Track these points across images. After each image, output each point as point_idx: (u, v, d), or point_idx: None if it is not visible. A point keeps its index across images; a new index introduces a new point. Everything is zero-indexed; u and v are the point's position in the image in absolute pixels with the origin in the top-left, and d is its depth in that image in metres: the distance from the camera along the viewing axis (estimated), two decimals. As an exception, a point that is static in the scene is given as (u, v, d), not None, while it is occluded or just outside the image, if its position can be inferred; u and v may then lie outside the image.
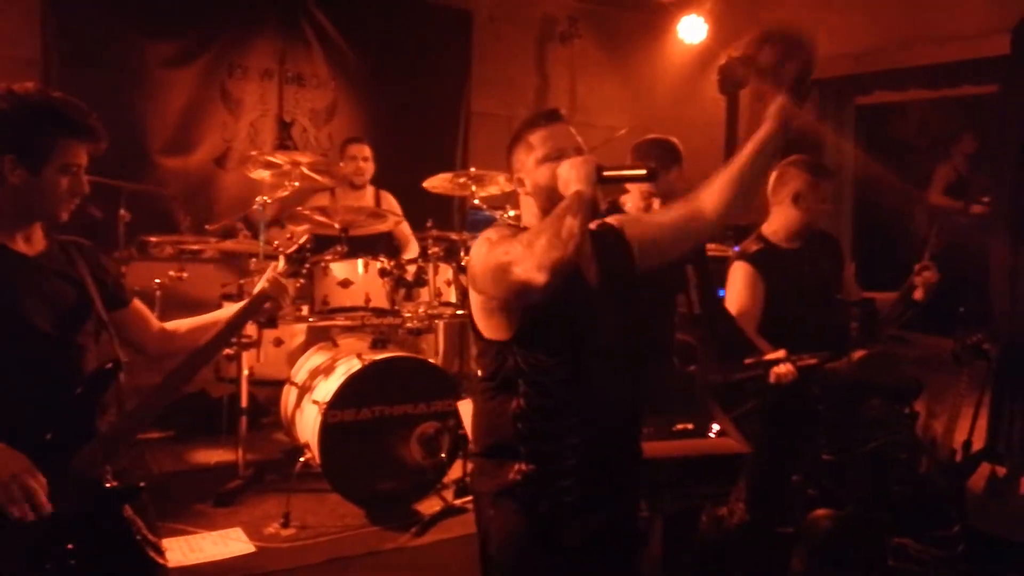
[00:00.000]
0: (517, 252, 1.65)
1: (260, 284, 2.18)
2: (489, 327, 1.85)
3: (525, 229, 1.87)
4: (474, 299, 1.87)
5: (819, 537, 2.94)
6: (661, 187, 2.78)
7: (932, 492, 3.20)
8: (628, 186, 2.89)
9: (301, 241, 2.29)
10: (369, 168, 4.76)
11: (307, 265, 2.28)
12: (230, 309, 2.21)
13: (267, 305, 2.17)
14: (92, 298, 1.93)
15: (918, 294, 2.95)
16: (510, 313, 1.79)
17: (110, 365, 1.88)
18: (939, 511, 3.15)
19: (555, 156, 1.82)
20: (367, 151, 4.76)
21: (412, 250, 4.77)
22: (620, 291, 1.92)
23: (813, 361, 2.52)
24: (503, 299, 1.76)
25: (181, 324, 2.17)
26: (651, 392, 2.25)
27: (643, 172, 1.83)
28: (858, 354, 2.77)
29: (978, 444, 3.44)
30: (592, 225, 1.95)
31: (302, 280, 2.28)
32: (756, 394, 2.74)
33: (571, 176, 1.74)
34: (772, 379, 2.63)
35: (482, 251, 1.79)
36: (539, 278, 1.61)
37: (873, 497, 3.01)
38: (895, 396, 3.09)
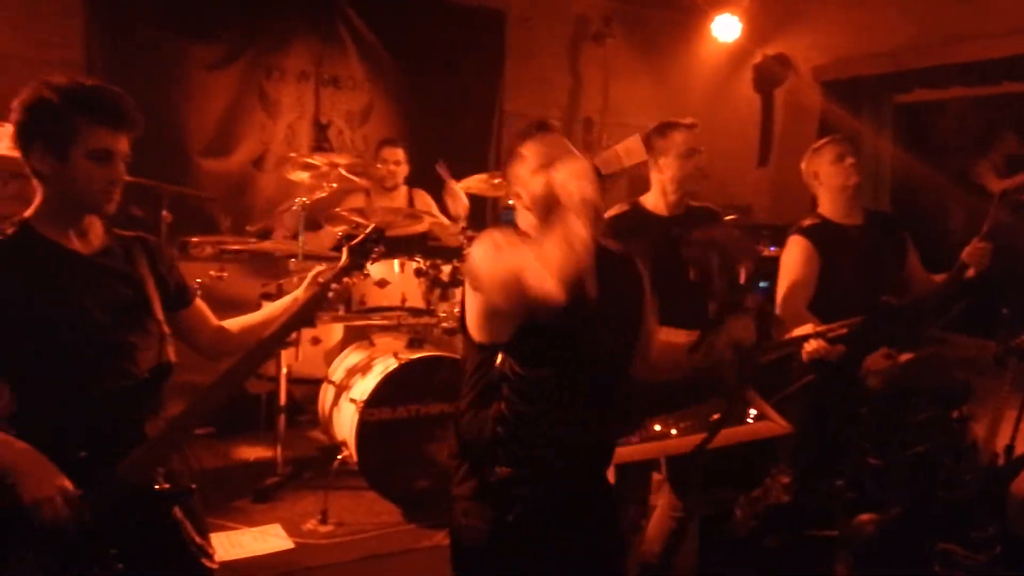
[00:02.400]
0: (531, 265, 1.59)
1: (309, 289, 2.09)
2: (482, 330, 1.81)
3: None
4: (471, 300, 1.82)
5: (863, 542, 2.90)
6: (693, 143, 2.78)
7: (972, 496, 3.14)
8: (652, 180, 2.88)
9: (367, 232, 2.16)
10: (401, 171, 4.79)
11: (372, 257, 2.13)
12: (284, 304, 2.14)
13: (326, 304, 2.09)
14: (150, 298, 1.89)
15: (971, 272, 2.90)
16: (510, 320, 1.75)
17: (161, 366, 1.85)
18: (978, 515, 3.10)
19: (548, 164, 1.79)
20: (399, 154, 4.77)
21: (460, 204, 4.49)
22: (618, 310, 1.89)
23: (843, 330, 2.46)
24: (513, 310, 1.70)
25: (235, 323, 2.13)
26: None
27: (641, 157, 1.78)
28: (905, 356, 2.73)
29: (1021, 448, 3.37)
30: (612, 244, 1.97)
31: (366, 274, 2.18)
32: (802, 374, 2.72)
33: (569, 179, 1.68)
34: (805, 357, 2.59)
35: (488, 256, 1.71)
36: (556, 293, 1.56)
37: (919, 502, 2.97)
38: (943, 400, 3.04)
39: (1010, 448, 3.27)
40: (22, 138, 1.77)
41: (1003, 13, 4.55)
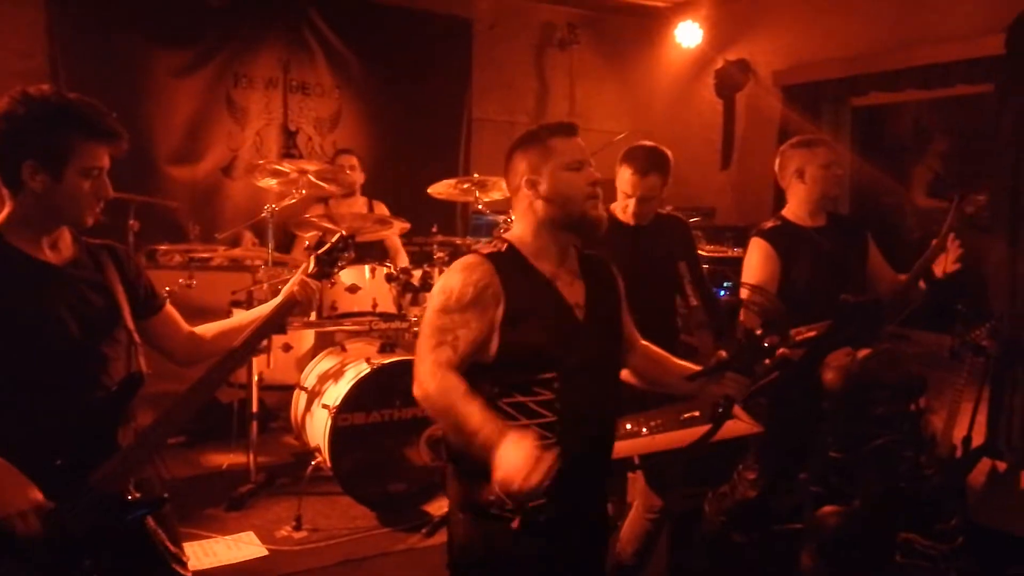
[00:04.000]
0: (420, 377, 1.74)
1: (287, 288, 2.08)
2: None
3: (507, 251, 1.86)
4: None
5: (828, 533, 2.96)
6: (641, 190, 2.85)
7: (933, 487, 3.23)
8: (617, 192, 2.95)
9: (332, 240, 2.17)
10: (356, 176, 4.87)
11: (340, 265, 2.15)
12: (256, 313, 2.12)
13: (296, 310, 2.08)
14: (120, 307, 1.88)
15: (950, 265, 2.91)
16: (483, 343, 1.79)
17: (133, 376, 1.84)
18: (940, 506, 3.19)
19: (576, 167, 1.86)
20: (353, 160, 4.88)
21: (402, 259, 4.86)
22: (602, 318, 1.92)
23: (811, 333, 2.51)
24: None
25: (208, 329, 2.11)
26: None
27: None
28: (863, 352, 2.78)
29: (978, 440, 3.47)
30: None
31: (333, 282, 2.18)
32: (765, 373, 2.77)
33: (509, 459, 1.55)
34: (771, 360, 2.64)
35: (430, 306, 1.82)
36: (416, 394, 1.74)
37: (881, 493, 3.03)
38: (900, 393, 3.11)
39: (967, 440, 3.38)
40: (6, 153, 1.72)
41: (957, 18, 4.69)
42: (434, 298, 1.83)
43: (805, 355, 2.65)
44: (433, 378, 1.72)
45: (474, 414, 1.65)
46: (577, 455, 1.80)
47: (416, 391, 1.75)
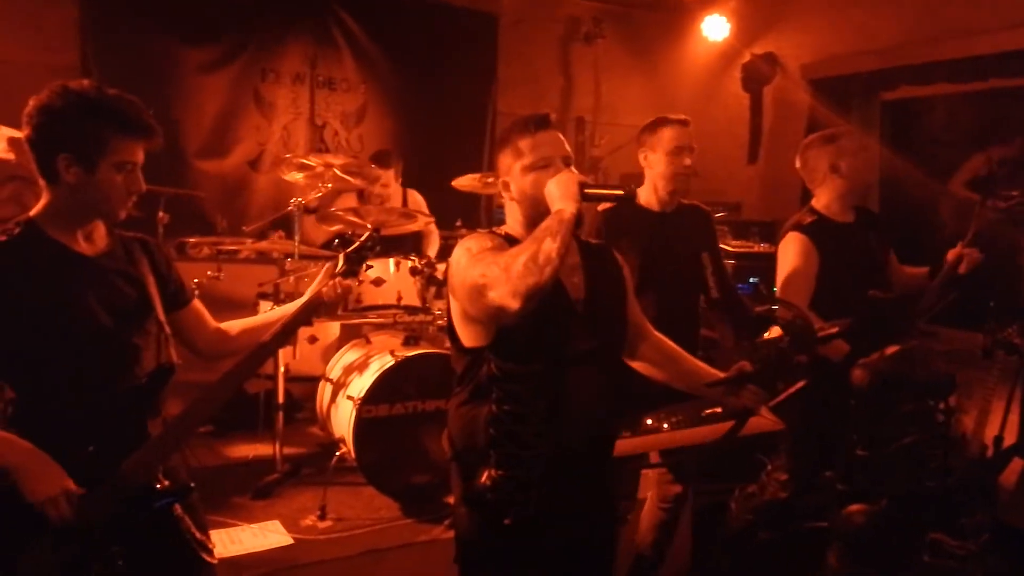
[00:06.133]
0: (494, 275, 1.64)
1: (314, 287, 2.08)
2: (466, 334, 1.84)
3: (505, 236, 1.87)
4: (452, 305, 1.87)
5: (854, 532, 2.93)
6: (689, 139, 2.80)
7: (962, 487, 3.19)
8: (647, 175, 2.92)
9: (362, 239, 2.16)
10: (394, 192, 4.81)
11: (369, 264, 2.18)
12: (282, 311, 2.12)
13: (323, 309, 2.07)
14: (152, 298, 1.90)
15: (962, 267, 2.89)
16: (486, 324, 1.79)
17: (164, 367, 1.86)
18: (969, 505, 3.15)
19: (542, 165, 1.81)
20: (390, 176, 4.76)
21: (434, 245, 4.86)
22: (603, 305, 1.91)
23: (834, 330, 2.48)
24: (479, 317, 1.76)
25: (234, 325, 2.12)
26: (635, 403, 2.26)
27: (620, 192, 1.81)
28: (891, 349, 2.74)
29: (1010, 439, 3.42)
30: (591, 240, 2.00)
31: (361, 280, 2.17)
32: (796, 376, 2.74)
33: (556, 193, 1.72)
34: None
35: (461, 263, 1.77)
36: (513, 304, 1.61)
37: (908, 493, 2.99)
38: (929, 391, 3.06)
39: (999, 439, 3.32)
40: (43, 145, 1.75)
41: (989, 10, 4.61)
42: (460, 258, 1.80)
43: (846, 355, 2.61)
44: (495, 264, 1.66)
45: (530, 239, 1.65)
46: (569, 447, 1.81)
47: (495, 297, 1.64)
